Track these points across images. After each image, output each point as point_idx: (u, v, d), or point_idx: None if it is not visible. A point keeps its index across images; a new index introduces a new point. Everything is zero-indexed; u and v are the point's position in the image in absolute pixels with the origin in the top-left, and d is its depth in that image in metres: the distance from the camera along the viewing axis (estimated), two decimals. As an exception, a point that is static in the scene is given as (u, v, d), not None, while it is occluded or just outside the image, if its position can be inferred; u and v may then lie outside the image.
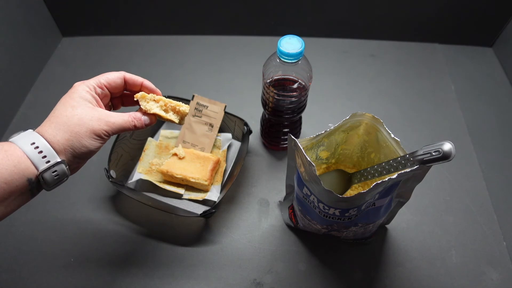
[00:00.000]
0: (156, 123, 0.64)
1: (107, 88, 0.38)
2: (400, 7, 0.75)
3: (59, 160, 0.33)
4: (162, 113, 0.40)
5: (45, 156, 0.32)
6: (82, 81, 0.37)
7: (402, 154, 0.39)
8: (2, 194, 0.30)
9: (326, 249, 0.52)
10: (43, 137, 0.33)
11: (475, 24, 0.77)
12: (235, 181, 0.57)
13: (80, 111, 0.34)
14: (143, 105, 0.39)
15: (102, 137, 0.35)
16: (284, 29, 0.72)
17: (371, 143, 0.46)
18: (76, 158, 0.35)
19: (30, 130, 0.34)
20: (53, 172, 0.33)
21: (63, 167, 0.33)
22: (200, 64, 0.77)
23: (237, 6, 0.76)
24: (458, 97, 0.71)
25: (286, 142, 0.60)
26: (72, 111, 0.34)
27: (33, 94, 0.71)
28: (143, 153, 0.60)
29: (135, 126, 0.38)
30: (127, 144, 0.59)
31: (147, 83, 0.41)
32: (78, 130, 0.34)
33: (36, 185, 0.33)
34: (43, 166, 0.32)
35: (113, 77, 0.38)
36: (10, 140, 0.33)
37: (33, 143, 0.32)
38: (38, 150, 0.32)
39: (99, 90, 0.37)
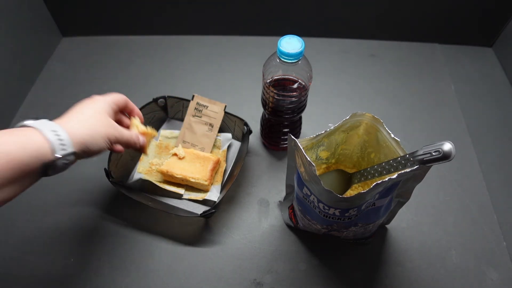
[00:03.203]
0: (157, 123, 0.64)
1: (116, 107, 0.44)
2: (400, 7, 0.75)
3: (73, 150, 0.35)
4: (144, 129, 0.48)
5: (63, 145, 0.35)
6: (101, 96, 0.42)
7: (402, 154, 0.39)
8: (21, 175, 0.32)
9: (326, 249, 0.52)
10: (63, 128, 0.35)
11: (475, 24, 0.77)
12: (235, 181, 0.57)
13: (101, 116, 0.40)
14: (138, 127, 0.47)
15: (111, 142, 0.40)
16: (284, 29, 0.72)
17: (371, 143, 0.46)
18: (84, 153, 0.38)
19: (45, 120, 0.36)
20: (63, 161, 0.35)
21: (73, 157, 0.36)
22: (200, 64, 0.77)
23: (237, 6, 0.76)
24: (458, 97, 0.71)
25: (286, 142, 0.60)
26: (95, 114, 0.39)
27: (33, 94, 0.71)
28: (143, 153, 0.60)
29: (135, 143, 0.45)
30: (127, 144, 0.59)
31: (137, 110, 0.48)
32: (97, 130, 0.38)
33: (46, 169, 0.35)
34: (59, 153, 0.34)
35: (122, 100, 0.45)
36: (28, 125, 0.35)
37: (55, 131, 0.34)
38: (59, 137, 0.34)
39: (114, 107, 0.43)
